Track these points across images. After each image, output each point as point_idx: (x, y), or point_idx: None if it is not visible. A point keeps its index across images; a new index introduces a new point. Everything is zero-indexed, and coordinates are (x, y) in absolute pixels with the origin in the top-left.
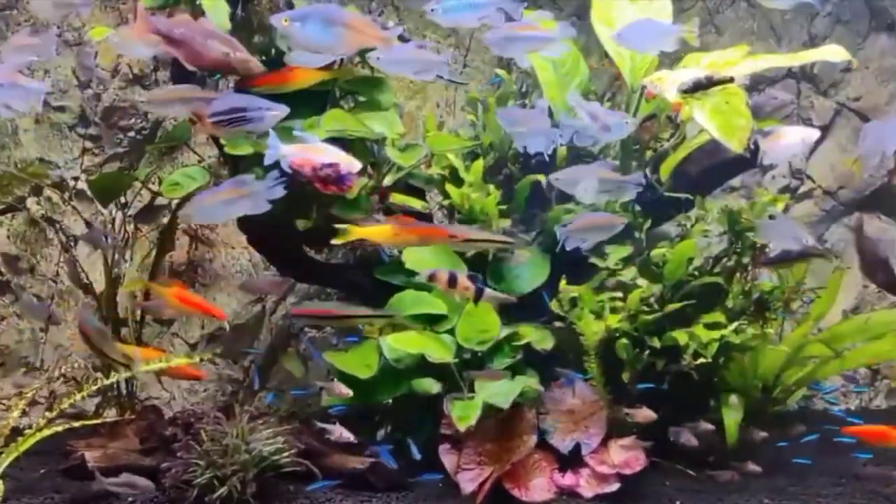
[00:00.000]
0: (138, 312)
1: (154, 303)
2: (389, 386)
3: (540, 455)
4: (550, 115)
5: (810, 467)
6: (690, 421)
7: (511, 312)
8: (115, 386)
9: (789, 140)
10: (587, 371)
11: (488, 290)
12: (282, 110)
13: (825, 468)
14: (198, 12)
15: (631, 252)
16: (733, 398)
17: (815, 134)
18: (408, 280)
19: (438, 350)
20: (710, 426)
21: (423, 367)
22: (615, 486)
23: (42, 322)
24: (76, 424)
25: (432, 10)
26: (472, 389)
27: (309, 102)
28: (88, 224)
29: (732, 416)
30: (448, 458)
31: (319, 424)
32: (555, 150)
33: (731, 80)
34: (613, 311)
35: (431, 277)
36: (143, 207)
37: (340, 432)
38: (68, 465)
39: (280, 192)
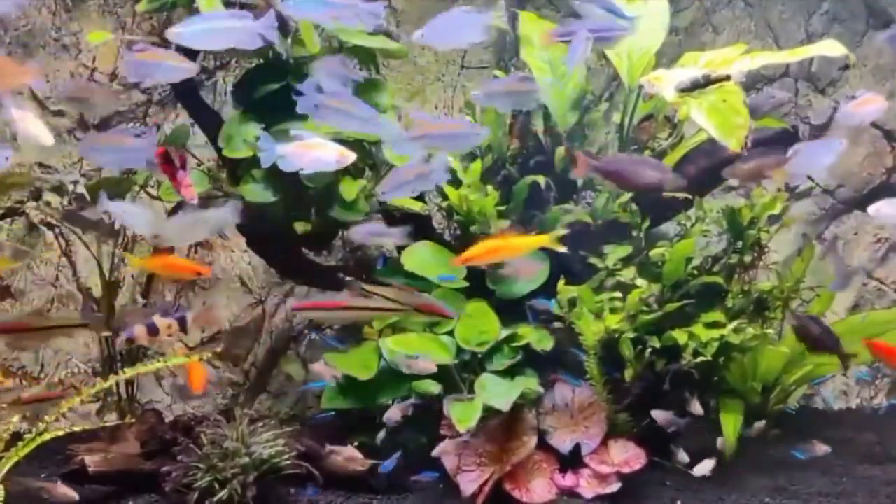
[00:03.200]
0: None
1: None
2: (389, 387)
3: (540, 456)
4: None
5: (811, 467)
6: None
7: (511, 313)
8: (114, 390)
9: (873, 106)
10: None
11: (189, 315)
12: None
13: (826, 467)
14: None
15: (630, 252)
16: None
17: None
18: (406, 282)
19: (438, 351)
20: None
21: None
22: (616, 487)
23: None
24: (77, 429)
25: (283, 2)
26: (471, 390)
27: None
28: None
29: (731, 423)
30: (448, 460)
31: (329, 447)
32: (553, 151)
33: (728, 77)
34: (613, 311)
35: (130, 341)
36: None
37: (353, 454)
38: (69, 470)
39: None
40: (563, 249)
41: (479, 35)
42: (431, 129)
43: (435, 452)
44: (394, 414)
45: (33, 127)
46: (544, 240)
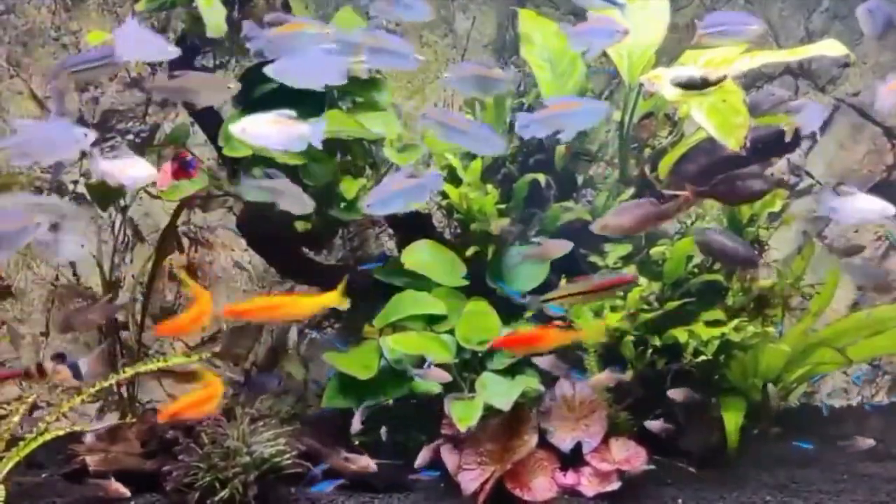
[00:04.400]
0: (138, 316)
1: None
2: (390, 386)
3: (541, 454)
4: None
5: (811, 465)
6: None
7: (511, 311)
8: (115, 390)
9: None
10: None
11: (83, 363)
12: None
13: (827, 465)
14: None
15: (630, 250)
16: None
17: None
18: (406, 281)
19: (438, 350)
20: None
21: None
22: (617, 485)
23: None
24: (77, 428)
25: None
26: (472, 389)
27: (308, 103)
28: None
29: (733, 420)
30: (449, 459)
31: (344, 453)
32: (553, 150)
33: (724, 78)
34: (613, 309)
35: (27, 373)
36: None
37: (368, 463)
38: (70, 470)
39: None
40: (345, 306)
41: (336, 79)
42: (556, 110)
43: (418, 463)
44: (355, 424)
45: (135, 169)
46: (329, 299)
